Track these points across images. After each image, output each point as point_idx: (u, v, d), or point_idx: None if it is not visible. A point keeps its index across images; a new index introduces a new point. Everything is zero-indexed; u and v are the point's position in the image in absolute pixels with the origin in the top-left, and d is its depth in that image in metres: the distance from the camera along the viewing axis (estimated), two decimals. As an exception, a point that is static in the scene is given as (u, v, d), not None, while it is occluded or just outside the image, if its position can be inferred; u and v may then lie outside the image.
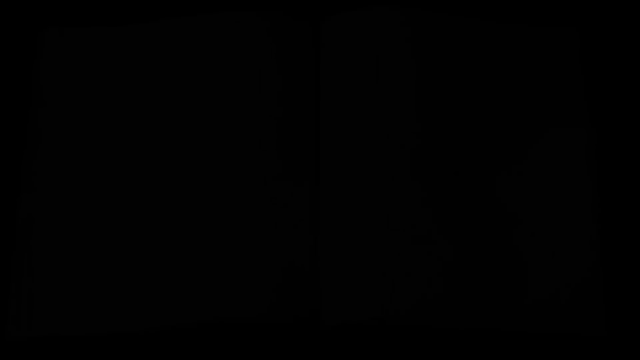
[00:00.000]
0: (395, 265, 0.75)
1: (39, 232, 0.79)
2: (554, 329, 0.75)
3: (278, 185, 0.78)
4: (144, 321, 0.75)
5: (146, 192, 0.79)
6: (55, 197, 0.80)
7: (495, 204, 0.79)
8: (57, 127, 0.82)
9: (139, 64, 0.83)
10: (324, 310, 0.76)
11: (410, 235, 0.76)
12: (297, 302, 0.75)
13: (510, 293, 0.76)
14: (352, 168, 0.78)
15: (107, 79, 0.83)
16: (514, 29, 0.85)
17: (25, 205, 0.80)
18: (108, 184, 0.80)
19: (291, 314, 0.75)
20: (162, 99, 0.82)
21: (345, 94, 0.80)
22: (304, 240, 0.77)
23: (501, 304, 0.76)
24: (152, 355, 0.76)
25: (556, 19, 0.87)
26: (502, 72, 0.83)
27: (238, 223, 0.77)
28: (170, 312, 0.75)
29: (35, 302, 0.77)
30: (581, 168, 0.80)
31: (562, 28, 0.85)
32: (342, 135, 0.79)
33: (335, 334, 0.76)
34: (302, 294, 0.76)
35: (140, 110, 0.82)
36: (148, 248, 0.78)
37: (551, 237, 0.78)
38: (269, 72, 0.81)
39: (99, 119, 0.82)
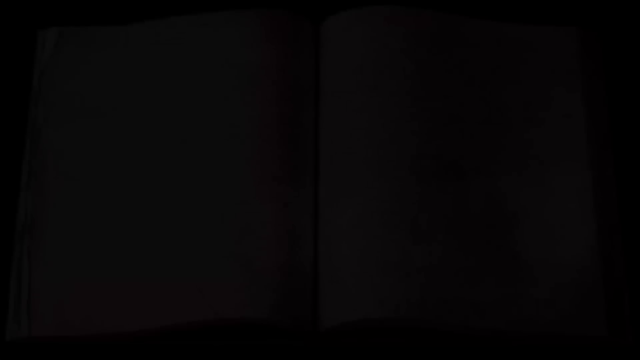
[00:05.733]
0: (395, 265, 0.75)
1: (39, 232, 0.79)
2: (555, 329, 0.75)
3: (277, 185, 0.78)
4: (143, 321, 0.75)
5: (146, 192, 0.79)
6: (55, 197, 0.80)
7: (496, 203, 0.79)
8: (57, 127, 0.82)
9: (139, 63, 0.83)
10: (323, 311, 0.75)
11: (411, 235, 0.76)
12: (296, 303, 0.75)
13: (510, 293, 0.76)
14: (352, 168, 0.78)
15: (107, 78, 0.83)
16: (514, 28, 0.85)
17: (25, 205, 0.80)
18: (108, 183, 0.80)
19: (290, 315, 0.75)
20: (162, 98, 0.82)
21: (345, 94, 0.80)
22: (303, 241, 0.77)
23: (502, 305, 0.76)
24: (151, 356, 0.76)
25: (556, 18, 0.87)
26: (502, 71, 0.83)
27: (237, 224, 0.77)
28: (168, 312, 0.75)
29: (35, 302, 0.77)
30: (582, 167, 0.80)
31: (562, 28, 0.85)
32: (342, 135, 0.79)
33: (334, 336, 0.76)
34: (302, 295, 0.76)
35: (140, 110, 0.82)
36: (148, 248, 0.77)
37: (552, 237, 0.78)
38: (268, 72, 0.81)
39: (98, 118, 0.82)
